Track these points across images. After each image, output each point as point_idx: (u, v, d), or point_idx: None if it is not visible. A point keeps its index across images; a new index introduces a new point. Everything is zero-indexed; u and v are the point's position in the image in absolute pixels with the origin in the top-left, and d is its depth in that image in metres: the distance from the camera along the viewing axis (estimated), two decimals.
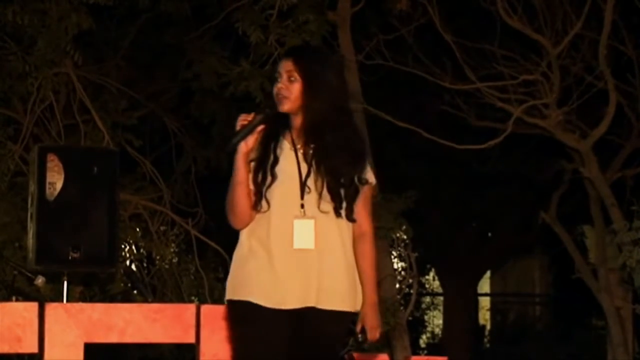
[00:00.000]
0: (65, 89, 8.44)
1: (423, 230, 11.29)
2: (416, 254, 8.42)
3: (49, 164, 6.02)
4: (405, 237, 8.53)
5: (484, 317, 19.16)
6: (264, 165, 4.00)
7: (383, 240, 8.75)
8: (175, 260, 9.34)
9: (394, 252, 9.11)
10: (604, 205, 9.22)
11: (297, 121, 4.07)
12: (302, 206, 3.98)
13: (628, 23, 9.09)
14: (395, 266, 9.34)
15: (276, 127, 4.07)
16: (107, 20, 9.41)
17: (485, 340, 18.23)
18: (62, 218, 6.01)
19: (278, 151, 4.03)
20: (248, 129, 3.99)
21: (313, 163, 4.02)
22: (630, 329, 10.15)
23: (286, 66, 4.08)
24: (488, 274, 18.39)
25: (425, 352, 16.88)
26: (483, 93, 8.74)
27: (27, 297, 6.56)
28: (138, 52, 9.95)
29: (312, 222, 3.96)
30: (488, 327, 18.94)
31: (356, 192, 4.04)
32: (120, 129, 8.86)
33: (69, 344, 3.53)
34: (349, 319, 4.04)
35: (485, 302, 19.37)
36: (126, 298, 8.52)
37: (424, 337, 18.31)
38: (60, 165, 6.02)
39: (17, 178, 8.10)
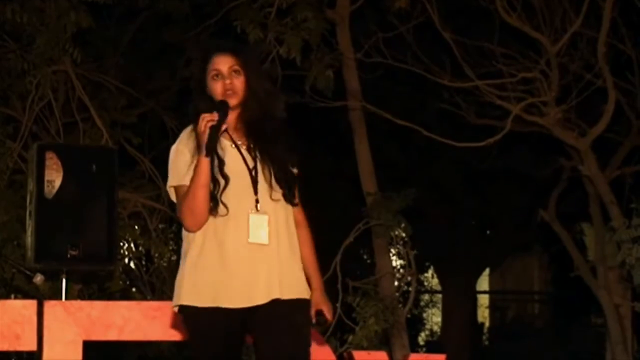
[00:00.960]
0: (64, 87, 8.45)
1: (422, 228, 11.28)
2: (415, 252, 8.42)
3: (47, 162, 6.02)
4: (404, 234, 8.53)
5: (483, 314, 19.17)
6: (212, 169, 3.96)
7: (382, 238, 8.76)
8: (173, 258, 9.33)
9: (392, 250, 9.12)
10: (603, 203, 9.23)
11: (232, 117, 4.05)
12: (257, 201, 4.00)
13: (627, 21, 9.09)
14: (394, 264, 9.35)
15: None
16: (106, 19, 9.41)
17: (484, 337, 18.23)
18: (61, 216, 6.01)
19: (220, 152, 4.02)
20: (217, 129, 3.93)
21: (257, 154, 4.06)
22: (629, 326, 10.14)
23: (227, 62, 4.07)
24: (487, 271, 18.39)
25: (424, 349, 16.88)
26: (482, 91, 8.73)
27: (26, 295, 6.57)
28: (137, 50, 9.94)
29: (266, 217, 4.00)
30: (487, 324, 18.95)
31: (295, 178, 4.19)
32: (119, 127, 8.86)
33: (68, 342, 3.53)
34: (309, 305, 4.08)
35: (484, 300, 19.38)
36: (125, 296, 8.51)
37: (422, 334, 18.31)
38: (59, 163, 6.02)
39: (16, 176, 8.10)
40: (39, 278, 5.96)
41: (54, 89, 8.18)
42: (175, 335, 3.89)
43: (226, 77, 4.05)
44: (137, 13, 9.51)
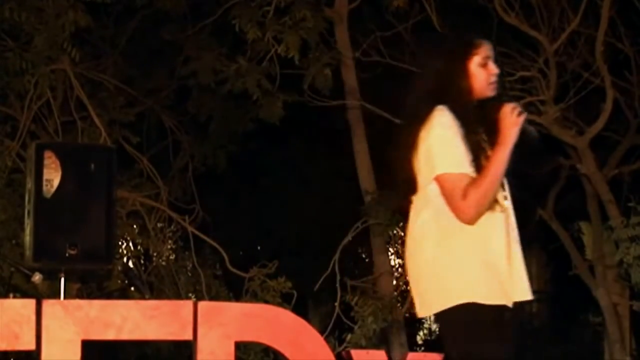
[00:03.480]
0: (63, 86, 8.45)
1: None
2: None
3: (46, 161, 6.01)
4: (402, 233, 8.53)
5: None
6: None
7: (380, 237, 8.77)
8: (172, 257, 9.35)
9: (391, 249, 9.13)
10: (601, 202, 9.24)
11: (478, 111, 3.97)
12: (505, 197, 3.98)
13: (625, 20, 9.10)
14: (392, 263, 9.36)
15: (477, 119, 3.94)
16: (104, 18, 9.42)
17: None
18: (60, 215, 6.00)
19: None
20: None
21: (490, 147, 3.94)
22: (627, 325, 10.16)
23: (491, 50, 4.03)
24: None
25: (422, 348, 16.89)
26: None
27: (24, 294, 6.56)
28: (135, 50, 9.95)
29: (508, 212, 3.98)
30: None
31: None
32: (117, 126, 8.87)
33: (67, 341, 3.52)
34: None
35: None
36: (123, 295, 8.52)
37: (421, 333, 18.32)
38: (58, 162, 6.02)
39: (15, 175, 8.11)
40: (37, 277, 5.95)
41: (53, 87, 8.18)
42: (173, 335, 3.89)
43: (493, 66, 4.00)
44: (135, 12, 9.52)
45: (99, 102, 8.79)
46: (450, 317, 3.87)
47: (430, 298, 3.93)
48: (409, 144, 3.93)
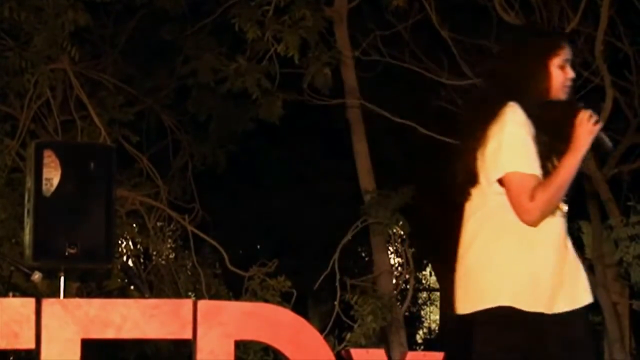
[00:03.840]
0: (62, 85, 8.45)
1: (420, 226, 11.29)
2: (413, 250, 8.44)
3: (45, 160, 6.01)
4: (402, 232, 8.55)
5: None
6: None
7: (380, 236, 8.77)
8: (172, 256, 9.35)
9: (390, 248, 9.14)
10: (601, 201, 9.23)
11: None
12: (565, 201, 3.93)
13: (624, 19, 9.10)
14: (392, 262, 9.36)
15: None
16: (103, 17, 9.42)
17: None
18: (59, 214, 6.00)
19: None
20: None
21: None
22: (627, 324, 10.15)
23: (570, 53, 3.99)
24: None
25: (422, 347, 16.90)
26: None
27: (24, 293, 6.56)
28: (135, 49, 9.95)
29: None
30: None
31: None
32: (117, 125, 8.86)
33: (66, 340, 3.52)
34: None
35: None
36: (123, 294, 8.52)
37: (420, 332, 18.34)
38: (57, 161, 6.02)
39: (14, 174, 8.11)
40: (37, 276, 5.95)
41: (52, 87, 8.18)
42: (173, 334, 3.89)
43: (570, 70, 3.96)
44: (135, 11, 9.52)
45: (99, 101, 8.79)
46: (486, 318, 3.85)
47: (471, 296, 3.91)
48: (477, 137, 3.87)
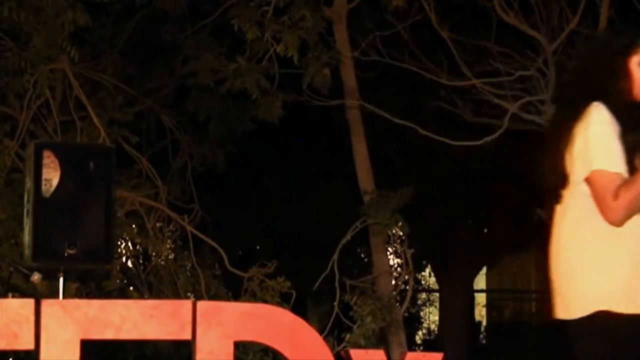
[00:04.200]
0: (62, 86, 8.45)
1: (419, 227, 11.29)
2: (412, 250, 8.44)
3: (45, 161, 6.01)
4: (401, 233, 8.54)
5: (480, 313, 19.18)
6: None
7: (379, 237, 8.77)
8: (171, 256, 9.35)
9: (390, 249, 9.13)
10: None
11: None
12: None
13: (624, 19, 9.09)
14: (391, 262, 9.36)
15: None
16: (103, 17, 9.42)
17: (481, 336, 18.25)
18: (59, 215, 6.00)
19: None
20: None
21: None
22: None
23: None
24: (484, 270, 18.41)
25: (421, 348, 16.90)
26: (479, 89, 8.74)
27: (23, 294, 6.56)
28: (134, 49, 9.95)
29: None
30: (484, 323, 18.96)
31: None
32: (116, 125, 8.86)
33: (66, 341, 3.52)
34: None
35: (481, 299, 19.39)
36: (122, 295, 8.52)
37: (420, 333, 18.34)
38: (57, 161, 6.01)
39: (14, 175, 8.11)
40: (36, 277, 5.96)
41: (52, 87, 8.18)
42: (172, 334, 3.89)
43: None
44: (135, 12, 9.52)
45: (98, 102, 8.79)
46: (587, 323, 3.80)
47: (570, 301, 3.86)
48: (564, 138, 3.86)
